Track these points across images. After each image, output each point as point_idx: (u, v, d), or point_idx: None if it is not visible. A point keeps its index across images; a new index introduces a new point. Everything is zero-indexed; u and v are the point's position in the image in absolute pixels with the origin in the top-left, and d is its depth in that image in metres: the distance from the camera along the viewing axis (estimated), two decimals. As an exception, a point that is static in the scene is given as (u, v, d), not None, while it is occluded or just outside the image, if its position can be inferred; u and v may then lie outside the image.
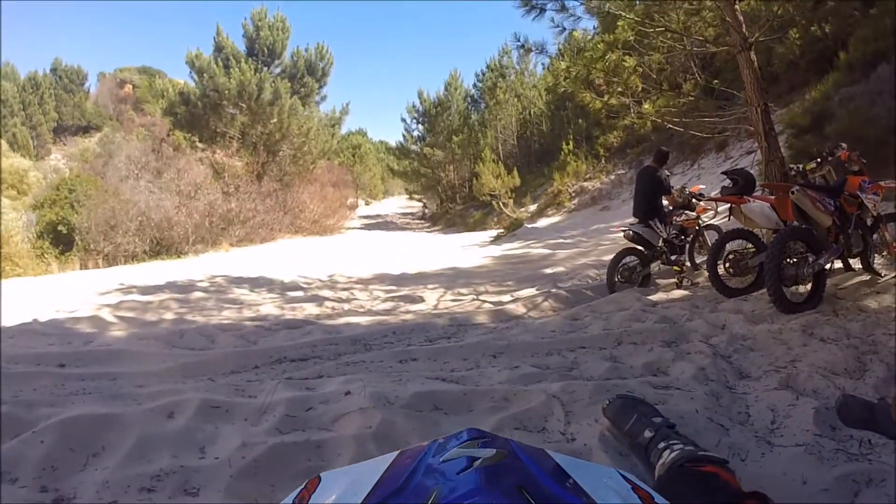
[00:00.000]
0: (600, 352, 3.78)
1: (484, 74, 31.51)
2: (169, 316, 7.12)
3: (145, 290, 9.57)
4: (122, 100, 45.09)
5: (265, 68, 24.52)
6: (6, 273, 14.21)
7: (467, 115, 31.52)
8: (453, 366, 3.79)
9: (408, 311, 6.56)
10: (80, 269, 15.94)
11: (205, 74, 23.27)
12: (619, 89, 7.83)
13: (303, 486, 0.94)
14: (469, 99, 32.57)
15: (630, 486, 0.91)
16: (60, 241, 17.53)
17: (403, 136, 34.11)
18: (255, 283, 9.80)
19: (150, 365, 4.38)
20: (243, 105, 23.20)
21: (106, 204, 17.52)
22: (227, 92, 22.78)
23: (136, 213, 17.35)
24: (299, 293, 8.60)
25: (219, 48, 24.33)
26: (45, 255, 16.63)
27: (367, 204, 38.12)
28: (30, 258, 15.75)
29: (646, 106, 8.77)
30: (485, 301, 6.82)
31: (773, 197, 4.93)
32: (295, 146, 24.28)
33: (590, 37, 7.98)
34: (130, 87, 46.05)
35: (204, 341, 5.43)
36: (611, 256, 6.71)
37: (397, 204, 43.79)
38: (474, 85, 32.53)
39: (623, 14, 7.02)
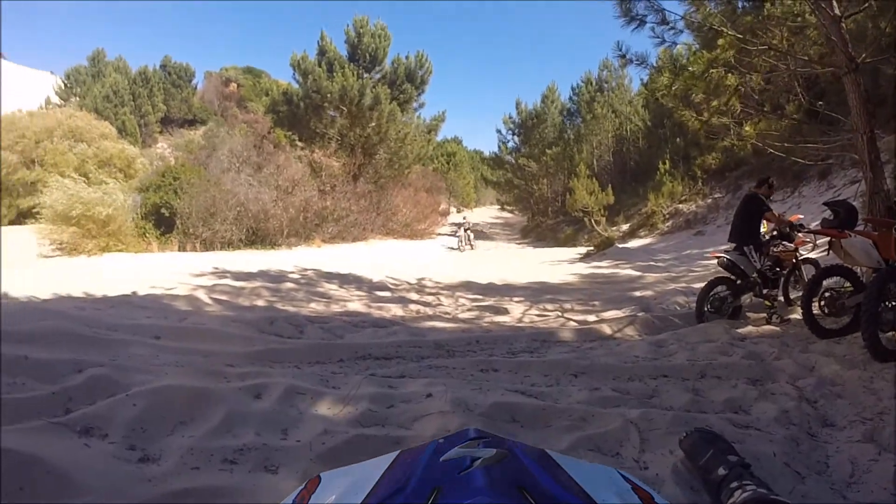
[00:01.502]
0: (683, 382, 3.72)
1: (580, 88, 31.00)
2: (260, 303, 7.48)
3: (238, 276, 10.10)
4: (227, 97, 47.00)
5: (366, 74, 25.15)
6: (110, 247, 15.39)
7: (563, 128, 31.09)
8: (534, 380, 3.78)
9: (492, 322, 6.58)
10: (179, 250, 16.93)
11: (308, 77, 24.09)
12: (720, 109, 7.62)
13: (303, 486, 0.94)
14: (565, 112, 32.12)
15: (630, 486, 0.92)
16: (162, 223, 18.56)
17: (499, 146, 34.06)
18: (345, 280, 10.07)
19: (241, 347, 4.59)
20: (344, 108, 23.85)
21: (207, 193, 18.44)
22: (329, 95, 23.51)
23: (234, 203, 18.20)
24: (387, 293, 8.80)
25: (322, 52, 25.12)
26: (147, 235, 17.70)
27: (458, 211, 38.23)
28: (133, 236, 16.74)
29: (746, 128, 8.47)
30: (569, 319, 6.76)
31: (875, 233, 4.57)
32: (391, 150, 24.78)
33: (689, 52, 7.74)
34: (235, 85, 48.02)
35: (292, 330, 5.64)
36: (702, 284, 6.50)
37: (488, 213, 43.68)
38: (570, 98, 32.04)
39: (724, 30, 6.81)
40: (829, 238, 4.88)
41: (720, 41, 6.98)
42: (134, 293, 7.55)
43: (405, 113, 25.84)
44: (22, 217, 24.36)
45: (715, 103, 7.55)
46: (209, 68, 52.06)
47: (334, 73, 23.81)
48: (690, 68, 7.37)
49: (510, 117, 32.58)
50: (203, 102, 46.54)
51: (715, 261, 6.53)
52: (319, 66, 24.50)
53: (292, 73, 25.03)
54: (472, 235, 23.81)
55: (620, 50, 7.59)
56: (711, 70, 7.08)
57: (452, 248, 22.44)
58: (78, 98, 39.25)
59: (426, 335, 5.46)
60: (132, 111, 37.76)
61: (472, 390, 3.32)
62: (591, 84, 30.55)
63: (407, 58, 26.16)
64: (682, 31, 7.09)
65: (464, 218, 25.37)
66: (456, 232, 24.05)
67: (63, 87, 42.01)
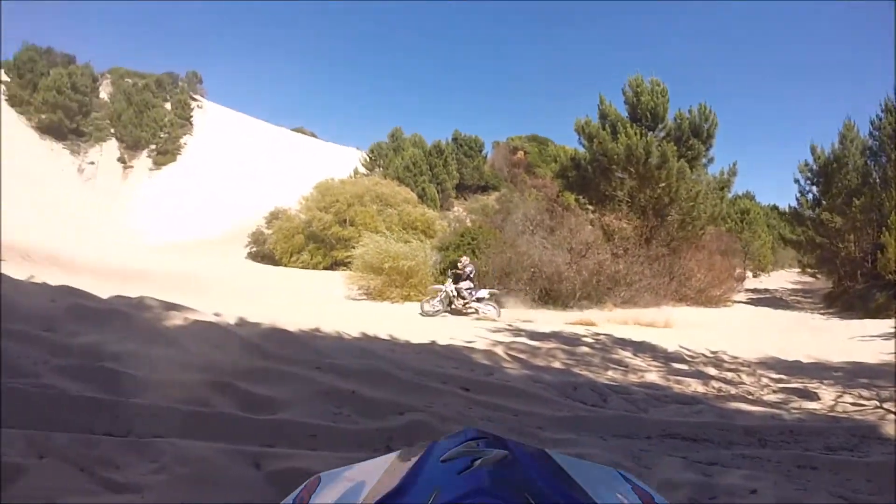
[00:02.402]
0: None
1: (881, 120, 24.87)
2: (556, 364, 7.66)
3: (533, 335, 10.43)
4: (515, 164, 50.23)
5: (650, 132, 24.91)
6: (412, 297, 17.53)
7: (867, 171, 25.65)
8: (855, 485, 3.45)
9: (801, 408, 6.10)
10: None
11: (594, 140, 24.67)
12: None
13: (303, 486, 0.94)
14: (867, 152, 26.27)
15: (630, 486, 0.92)
16: (460, 279, 20.40)
17: (797, 199, 29.29)
18: (639, 348, 9.91)
19: (547, 409, 4.79)
20: (631, 169, 23.85)
21: (504, 254, 19.90)
22: (615, 157, 23.78)
23: (529, 264, 19.22)
24: (683, 366, 8.54)
25: (604, 115, 25.50)
26: None
27: (754, 276, 34.48)
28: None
29: None
30: (889, 410, 5.91)
31: None
32: (683, 210, 23.97)
33: None
34: (522, 153, 51.15)
35: (595, 398, 5.71)
36: None
37: (786, 278, 39.32)
38: (870, 133, 25.92)
39: None
40: None
41: None
42: (433, 342, 8.18)
43: (694, 170, 24.91)
44: (335, 265, 28.60)
45: None
46: (496, 138, 56.20)
47: (618, 135, 24.04)
48: None
49: (806, 164, 28.03)
50: (493, 170, 50.36)
51: None
52: (603, 129, 24.89)
53: (577, 137, 25.87)
54: (473, 290, 15.73)
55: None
56: None
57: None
58: (381, 168, 44.98)
59: (733, 418, 5.23)
60: (430, 179, 42.02)
61: (796, 490, 3.17)
62: (893, 112, 24.36)
63: (690, 112, 25.36)
64: None
65: (461, 266, 16.58)
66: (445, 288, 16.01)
67: (368, 160, 48.44)
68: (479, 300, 15.53)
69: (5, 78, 53.17)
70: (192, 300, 8.21)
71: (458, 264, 16.88)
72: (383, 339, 8.05)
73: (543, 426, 4.29)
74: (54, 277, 9.52)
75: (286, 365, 4.96)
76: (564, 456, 0.98)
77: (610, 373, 7.51)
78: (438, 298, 15.55)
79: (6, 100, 51.81)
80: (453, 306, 15.56)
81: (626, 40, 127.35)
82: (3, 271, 7.48)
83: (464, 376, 5.55)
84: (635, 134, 23.91)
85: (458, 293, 15.62)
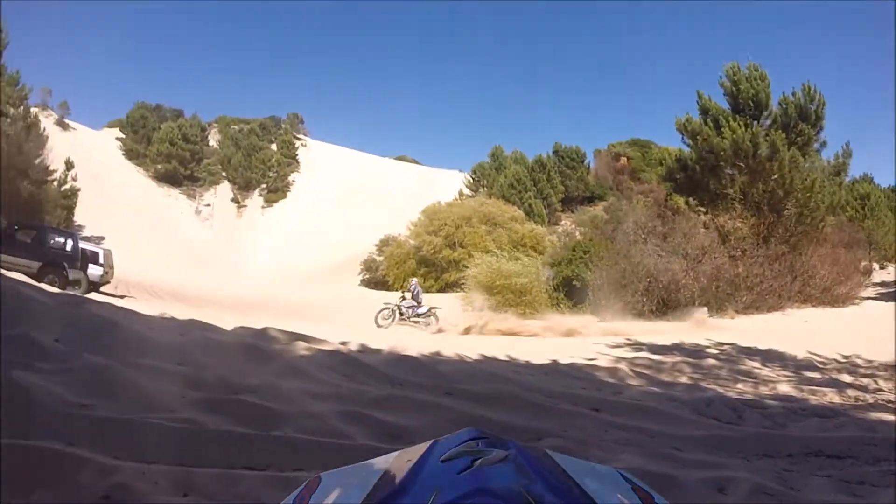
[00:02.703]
0: None
1: None
2: (683, 379, 7.45)
3: (654, 349, 10.12)
4: (619, 171, 49.66)
5: (754, 122, 23.70)
6: (527, 315, 17.51)
7: None
8: None
9: None
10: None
11: (697, 138, 23.84)
12: None
13: (303, 486, 0.94)
14: None
15: (630, 486, 0.92)
16: (574, 294, 20.48)
17: None
18: (766, 357, 9.53)
19: (683, 429, 4.68)
20: (740, 164, 22.85)
21: (617, 265, 19.62)
22: (721, 153, 22.87)
23: (644, 274, 18.84)
24: (815, 374, 8.17)
25: (704, 111, 24.59)
26: (560, 305, 19.83)
27: (881, 268, 31.21)
28: (547, 306, 18.99)
29: None
30: None
31: None
32: (800, 203, 22.35)
33: None
34: (625, 159, 50.52)
35: (730, 414, 5.52)
36: None
37: (917, 270, 35.31)
38: None
39: None
40: None
41: None
42: (554, 361, 8.05)
43: (807, 157, 23.36)
44: (447, 287, 29.43)
45: None
46: (597, 146, 55.72)
47: (722, 129, 23.09)
48: None
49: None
50: (597, 179, 50.07)
51: None
52: (706, 124, 23.98)
53: (680, 136, 25.07)
54: (415, 307, 18.37)
55: None
56: None
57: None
58: (485, 188, 45.54)
59: (877, 430, 4.99)
60: (535, 195, 42.23)
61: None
62: None
63: (794, 94, 23.79)
64: None
65: (409, 287, 19.93)
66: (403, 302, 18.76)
67: (471, 181, 49.31)
68: (419, 315, 18.08)
69: (120, 135, 60.52)
70: (311, 328, 8.68)
71: (408, 285, 20.15)
72: (503, 361, 8.06)
73: (681, 447, 4.21)
74: (181, 311, 10.42)
75: (415, 392, 5.06)
76: (564, 456, 0.98)
77: (740, 385, 7.26)
78: (389, 310, 18.12)
79: (123, 154, 59.21)
80: (401, 319, 18.08)
81: (715, 28, 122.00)
82: (133, 308, 8.20)
83: (592, 396, 5.51)
84: (739, 126, 22.79)
85: (399, 309, 18.19)
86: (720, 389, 6.91)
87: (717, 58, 76.59)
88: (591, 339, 12.24)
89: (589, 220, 36.09)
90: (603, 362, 8.19)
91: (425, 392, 4.94)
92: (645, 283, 18.74)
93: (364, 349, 7.31)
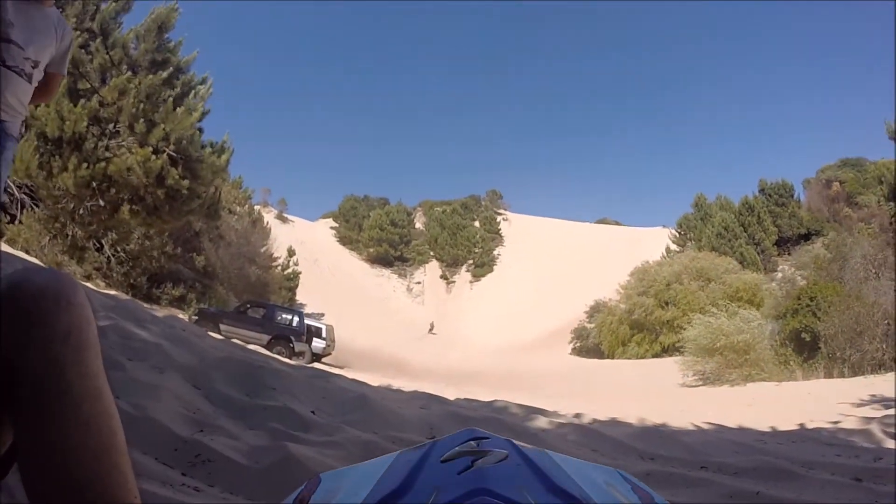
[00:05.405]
0: None
1: None
2: None
3: None
4: (833, 199, 45.03)
5: None
6: (752, 377, 16.20)
7: None
8: None
9: None
10: (825, 377, 16.01)
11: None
12: None
13: (303, 487, 0.94)
14: None
15: (630, 486, 0.92)
16: (804, 348, 18.11)
17: None
18: None
19: None
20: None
21: (850, 310, 17.01)
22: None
23: (880, 316, 16.38)
24: None
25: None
26: (790, 363, 17.54)
27: None
28: (774, 364, 17.17)
29: None
30: None
31: None
32: None
33: None
34: (837, 184, 45.82)
35: None
36: None
37: None
38: None
39: None
40: None
41: None
42: (801, 426, 7.24)
43: None
44: (664, 351, 28.80)
45: None
46: (805, 175, 51.55)
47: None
48: None
49: None
50: (811, 212, 45.91)
51: None
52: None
53: (893, 146, 22.82)
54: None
55: None
56: None
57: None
58: (693, 241, 44.01)
59: None
60: (746, 241, 40.38)
61: None
62: None
63: None
64: None
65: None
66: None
67: (677, 235, 48.02)
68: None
69: (334, 224, 71.75)
70: (533, 399, 8.80)
71: None
72: (745, 429, 7.32)
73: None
74: (402, 383, 11.02)
75: (670, 466, 4.61)
76: (564, 456, 0.97)
77: None
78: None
79: (337, 240, 69.58)
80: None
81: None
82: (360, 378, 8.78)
83: (850, 464, 4.65)
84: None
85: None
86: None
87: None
88: (842, 399, 11.03)
89: (811, 261, 32.61)
90: (849, 424, 7.30)
91: (678, 465, 4.49)
92: (883, 326, 16.19)
93: (594, 421, 7.18)
